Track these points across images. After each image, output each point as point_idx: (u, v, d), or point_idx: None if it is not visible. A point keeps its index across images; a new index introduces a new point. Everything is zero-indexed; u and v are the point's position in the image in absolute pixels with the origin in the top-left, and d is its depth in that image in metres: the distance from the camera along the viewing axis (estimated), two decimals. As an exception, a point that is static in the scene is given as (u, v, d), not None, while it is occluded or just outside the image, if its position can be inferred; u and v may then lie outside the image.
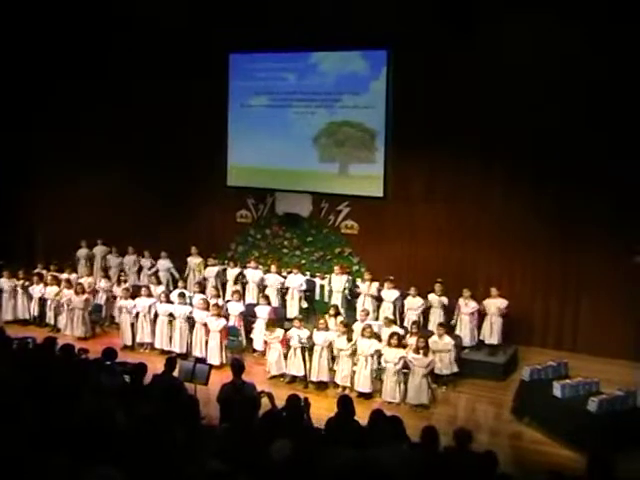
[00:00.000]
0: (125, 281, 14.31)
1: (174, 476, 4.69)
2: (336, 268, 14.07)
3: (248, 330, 12.84)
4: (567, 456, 8.88)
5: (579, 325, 13.03)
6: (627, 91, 12.05)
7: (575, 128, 12.51)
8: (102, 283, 14.38)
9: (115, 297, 13.78)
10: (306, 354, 11.43)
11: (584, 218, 12.72)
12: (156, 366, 9.17)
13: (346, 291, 13.68)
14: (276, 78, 15.49)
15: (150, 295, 13.11)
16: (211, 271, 14.80)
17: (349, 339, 11.18)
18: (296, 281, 14.01)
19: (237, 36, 15.08)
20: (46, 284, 14.17)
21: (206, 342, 12.20)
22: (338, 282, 13.78)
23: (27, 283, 14.36)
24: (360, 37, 14.03)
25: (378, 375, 10.99)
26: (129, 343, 12.96)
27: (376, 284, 13.31)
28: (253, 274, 14.36)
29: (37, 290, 14.23)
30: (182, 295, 12.89)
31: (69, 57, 16.74)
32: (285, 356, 11.54)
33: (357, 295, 13.48)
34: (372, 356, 10.86)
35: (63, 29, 16.41)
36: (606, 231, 12.50)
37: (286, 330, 11.70)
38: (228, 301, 13.37)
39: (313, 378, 11.34)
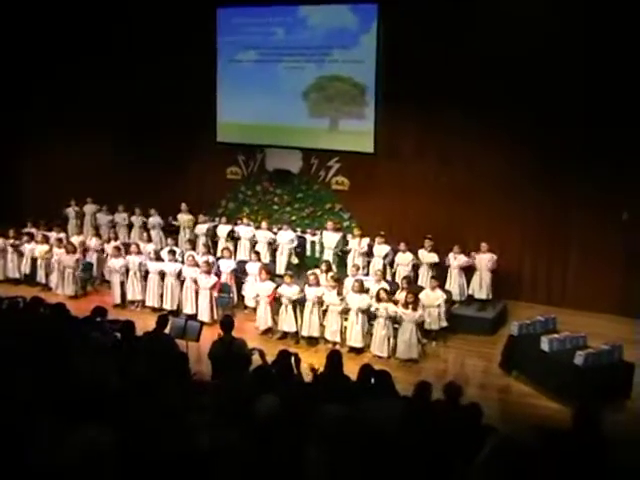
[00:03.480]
0: (116, 239, 14.26)
1: (165, 432, 4.74)
2: (329, 224, 14.02)
3: (239, 287, 12.89)
4: (554, 408, 9.04)
5: (567, 280, 13.17)
6: (625, 54, 11.99)
7: (568, 88, 12.45)
8: (93, 241, 14.34)
9: (106, 255, 13.75)
10: (297, 310, 11.50)
11: (573, 177, 12.72)
12: (147, 324, 9.20)
13: (337, 249, 13.67)
14: (264, 33, 15.23)
15: (140, 252, 13.10)
16: (201, 228, 14.77)
17: (339, 293, 11.25)
18: (286, 237, 14.00)
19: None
20: (37, 243, 14.10)
21: (196, 299, 12.24)
22: (330, 238, 13.76)
23: (17, 242, 14.27)
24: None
25: (369, 330, 11.08)
26: (119, 301, 12.98)
27: (366, 240, 13.34)
28: (245, 231, 14.34)
29: (28, 249, 14.13)
30: (172, 252, 12.88)
31: (61, 24, 16.45)
32: (276, 312, 11.61)
33: (347, 252, 13.51)
34: (363, 311, 10.93)
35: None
36: (595, 189, 12.53)
37: (277, 286, 11.75)
38: (219, 258, 13.39)
39: (304, 333, 11.42)
